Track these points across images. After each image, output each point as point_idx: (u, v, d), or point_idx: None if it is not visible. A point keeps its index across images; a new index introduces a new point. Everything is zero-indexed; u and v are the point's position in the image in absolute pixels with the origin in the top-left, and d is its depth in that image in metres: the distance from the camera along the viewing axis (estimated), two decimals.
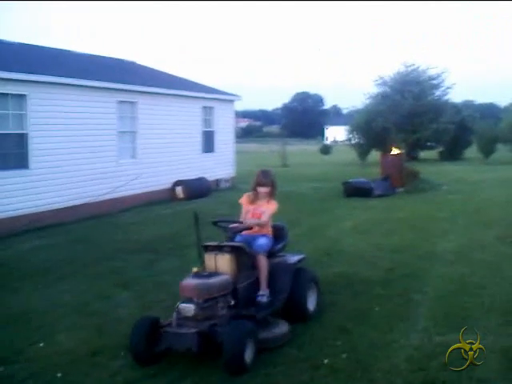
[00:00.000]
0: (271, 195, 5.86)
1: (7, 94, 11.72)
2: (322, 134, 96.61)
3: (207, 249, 5.25)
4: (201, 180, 17.70)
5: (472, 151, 35.34)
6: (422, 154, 35.90)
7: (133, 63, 21.42)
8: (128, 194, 15.09)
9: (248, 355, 4.51)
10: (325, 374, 4.53)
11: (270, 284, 5.48)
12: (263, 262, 5.42)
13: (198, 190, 17.08)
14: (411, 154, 31.47)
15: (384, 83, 35.90)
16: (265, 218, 5.69)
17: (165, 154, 16.83)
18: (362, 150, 34.67)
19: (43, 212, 12.37)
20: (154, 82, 17.57)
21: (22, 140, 12.11)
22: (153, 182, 16.20)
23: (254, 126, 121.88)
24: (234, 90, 21.67)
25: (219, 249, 5.20)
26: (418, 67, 35.32)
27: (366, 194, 15.93)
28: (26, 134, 12.12)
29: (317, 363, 4.71)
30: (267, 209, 5.74)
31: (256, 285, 5.43)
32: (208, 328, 4.62)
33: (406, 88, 33.77)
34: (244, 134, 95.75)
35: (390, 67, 43.64)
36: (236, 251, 5.19)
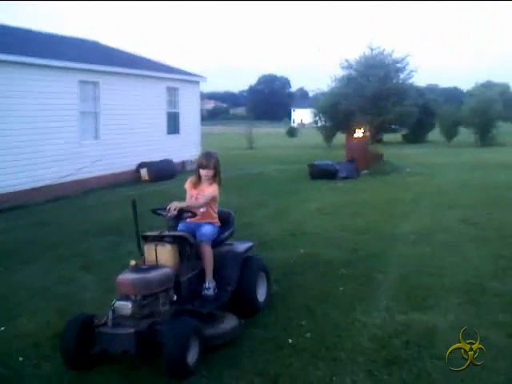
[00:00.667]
0: (214, 178, 5.39)
1: None
2: (288, 116, 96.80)
3: (147, 239, 4.82)
4: (166, 162, 17.54)
5: (435, 134, 35.97)
6: (386, 137, 36.36)
7: (96, 43, 20.95)
8: (91, 176, 14.85)
9: (192, 356, 4.14)
10: (289, 353, 4.56)
11: (217, 275, 5.12)
12: (208, 252, 5.02)
13: (163, 171, 16.93)
14: (375, 137, 31.83)
15: (349, 66, 36.09)
16: (201, 200, 5.21)
17: (129, 135, 16.62)
18: (328, 133, 34.93)
19: (3, 194, 12.09)
20: (117, 62, 17.25)
21: None
22: (117, 163, 15.98)
23: (220, 108, 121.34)
24: (200, 71, 21.50)
25: (160, 239, 4.74)
26: (383, 50, 35.64)
27: (331, 176, 16.06)
28: None
29: (281, 343, 4.74)
30: (207, 192, 5.28)
31: (201, 277, 5.03)
32: (147, 327, 4.21)
33: (371, 71, 34.04)
34: (210, 116, 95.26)
35: (356, 50, 43.90)
36: (178, 241, 4.77)
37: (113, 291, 6.15)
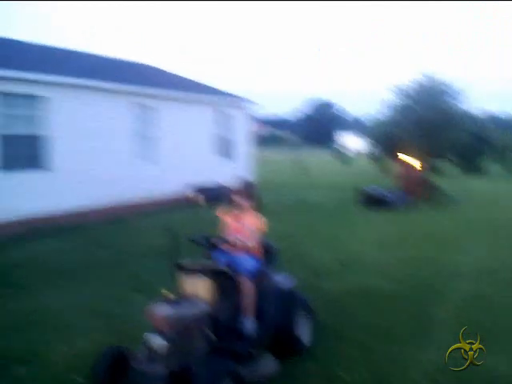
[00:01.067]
0: (254, 208, 5.18)
1: (28, 95, 11.87)
2: (339, 142, 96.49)
3: (183, 269, 4.59)
4: (219, 186, 17.72)
5: (494, 165, 35.03)
6: (442, 167, 35.65)
7: (152, 68, 21.56)
8: (147, 199, 15.17)
9: None
10: None
11: (257, 312, 4.80)
12: (248, 287, 4.71)
13: (216, 195, 17.09)
14: (430, 166, 31.24)
15: (401, 92, 35.70)
16: (254, 239, 5.01)
17: (184, 159, 16.92)
18: (380, 161, 34.54)
19: (63, 215, 12.47)
20: (174, 87, 17.68)
21: (41, 141, 12.25)
22: (172, 187, 16.26)
23: (271, 133, 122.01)
24: (251, 96, 21.72)
25: (198, 271, 4.53)
26: (436, 77, 35.09)
27: (385, 205, 15.83)
28: (46, 135, 12.27)
29: (332, 376, 4.67)
30: (254, 225, 5.06)
31: (240, 313, 4.74)
32: (180, 367, 3.95)
33: (424, 98, 33.55)
34: (261, 141, 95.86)
35: (405, 75, 43.43)
36: (218, 275, 4.54)
37: None
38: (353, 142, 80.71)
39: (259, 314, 4.82)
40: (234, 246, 4.89)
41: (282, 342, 4.93)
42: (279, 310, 4.94)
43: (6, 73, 11.29)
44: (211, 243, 4.84)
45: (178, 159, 16.64)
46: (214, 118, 18.86)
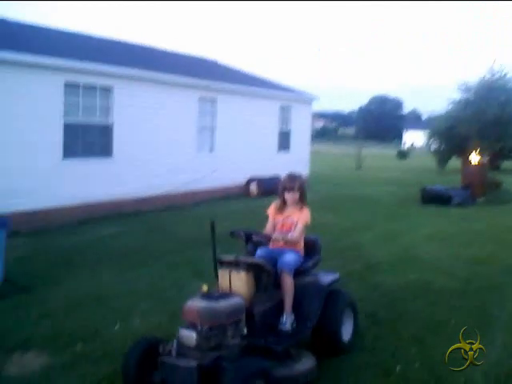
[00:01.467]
0: (302, 202, 4.97)
1: (95, 86, 12.23)
2: (399, 138, 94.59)
3: (222, 264, 4.49)
4: (275, 178, 17.74)
5: None
6: (505, 165, 34.40)
7: (214, 62, 21.79)
8: (204, 188, 15.38)
9: None
10: (396, 381, 4.42)
11: (296, 309, 4.65)
12: (288, 283, 4.56)
13: (271, 187, 17.11)
14: (494, 164, 30.22)
15: (468, 89, 34.64)
16: (296, 233, 4.80)
17: (241, 150, 17.02)
18: (442, 157, 33.65)
19: (123, 200, 12.83)
20: (234, 81, 17.80)
21: (107, 130, 12.61)
22: (228, 177, 16.41)
23: (330, 128, 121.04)
24: (311, 90, 21.61)
25: (235, 265, 4.39)
26: (505, 75, 33.84)
27: (445, 201, 15.44)
28: (111, 124, 12.62)
29: (388, 370, 4.61)
30: (299, 219, 4.86)
31: (279, 309, 4.57)
32: (211, 362, 3.79)
33: (491, 95, 32.45)
34: (319, 135, 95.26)
35: (475, 72, 42.12)
36: (255, 268, 4.37)
37: None
38: (414, 138, 78.95)
39: (299, 311, 4.65)
40: (275, 242, 4.78)
41: (322, 340, 4.77)
42: (320, 307, 4.74)
43: (78, 65, 11.68)
44: (251, 238, 4.66)
45: (236, 150, 16.76)
46: (274, 111, 18.86)
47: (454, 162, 30.12)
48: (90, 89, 12.13)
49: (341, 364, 4.71)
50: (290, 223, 4.90)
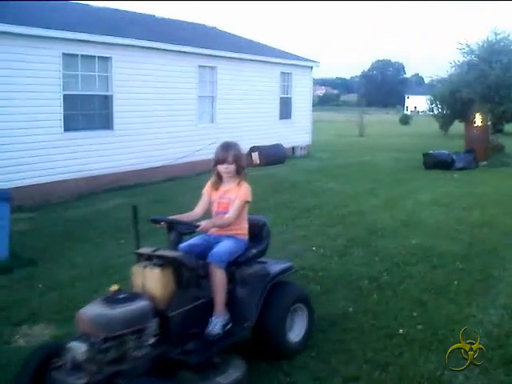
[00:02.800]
0: (240, 175, 4.22)
1: (94, 57, 12.11)
2: (402, 103, 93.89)
3: (139, 258, 3.86)
4: (277, 147, 17.70)
5: None
6: (508, 127, 34.18)
7: (213, 29, 21.48)
8: (205, 158, 15.32)
9: None
10: (399, 343, 4.48)
11: (233, 306, 3.97)
12: (218, 277, 3.85)
13: (273, 156, 17.11)
14: (497, 127, 30.02)
15: (470, 52, 34.15)
16: (231, 214, 4.07)
17: (242, 119, 16.92)
18: (445, 121, 33.45)
19: (124, 172, 12.83)
20: (234, 48, 17.58)
21: (106, 101, 12.54)
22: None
23: (331, 95, 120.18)
24: (312, 56, 21.38)
25: (150, 259, 3.75)
26: (509, 35, 33.31)
27: (447, 166, 15.40)
28: (111, 95, 12.53)
29: (391, 332, 4.67)
30: (236, 197, 4.13)
31: (209, 309, 3.88)
32: (105, 379, 3.19)
33: (494, 57, 32.02)
34: (321, 102, 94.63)
35: (478, 33, 41.48)
36: (173, 263, 3.70)
37: None
38: (416, 103, 78.32)
39: (235, 310, 3.99)
40: (204, 229, 3.93)
41: (262, 341, 4.16)
42: (260, 302, 4.06)
43: (76, 35, 11.55)
44: (174, 226, 3.95)
45: (237, 119, 16.66)
46: (275, 78, 18.70)
47: (457, 127, 29.94)
48: (89, 59, 12.01)
49: (344, 327, 4.78)
50: (226, 202, 4.19)
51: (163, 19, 19.21)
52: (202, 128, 15.41)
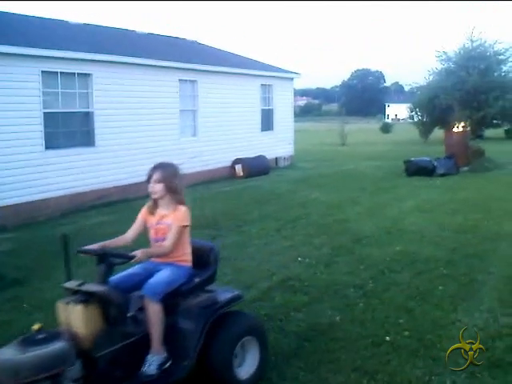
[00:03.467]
0: (175, 198, 3.88)
1: (73, 74, 12.09)
2: (382, 112, 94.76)
3: (66, 292, 3.55)
4: (260, 158, 17.78)
5: None
6: (488, 133, 34.67)
7: (193, 42, 21.58)
8: (189, 172, 15.29)
9: None
10: (387, 350, 4.51)
11: (171, 343, 3.61)
12: (152, 312, 3.51)
13: (257, 168, 17.18)
14: (476, 132, 30.46)
15: (448, 59, 34.72)
16: (168, 243, 3.75)
17: (224, 132, 16.97)
18: (425, 128, 33.87)
19: (108, 188, 12.78)
20: (214, 61, 17.67)
21: (87, 118, 12.50)
22: (213, 159, 16.39)
23: (313, 105, 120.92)
24: (292, 67, 21.58)
25: (72, 294, 3.45)
26: (485, 42, 33.90)
27: (429, 173, 15.57)
28: (92, 112, 12.50)
29: (378, 340, 4.69)
30: (173, 222, 3.79)
31: (145, 346, 3.54)
32: None
33: (471, 64, 32.56)
34: (302, 113, 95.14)
35: (454, 41, 42.18)
36: (98, 298, 3.41)
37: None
38: (397, 111, 79.09)
39: (174, 346, 3.62)
40: (139, 260, 3.59)
41: (207, 379, 3.73)
42: (201, 337, 3.64)
43: (55, 53, 11.54)
44: (106, 257, 3.59)
45: (219, 132, 16.71)
46: (256, 90, 18.79)
47: (437, 133, 30.31)
48: (68, 77, 11.99)
49: (332, 336, 4.80)
50: (164, 228, 3.85)
51: (143, 34, 19.24)
52: (184, 142, 15.42)
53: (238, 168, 16.99)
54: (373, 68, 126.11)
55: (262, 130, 19.12)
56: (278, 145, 19.89)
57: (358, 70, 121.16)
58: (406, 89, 63.35)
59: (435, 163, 16.01)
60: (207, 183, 15.34)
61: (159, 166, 3.94)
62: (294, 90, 22.18)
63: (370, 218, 9.94)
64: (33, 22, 15.18)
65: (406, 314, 5.24)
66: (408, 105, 37.39)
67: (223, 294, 4.01)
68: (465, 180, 14.80)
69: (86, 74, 12.34)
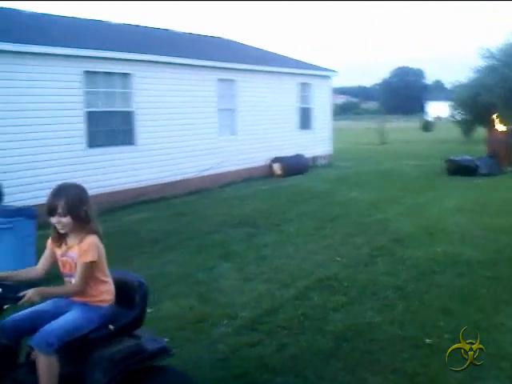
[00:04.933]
0: (84, 226, 3.19)
1: (115, 73, 12.30)
2: (423, 110, 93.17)
3: None
4: (298, 157, 17.71)
5: None
6: None
7: (229, 41, 21.66)
8: (228, 170, 15.43)
9: None
10: (426, 353, 4.44)
11: None
12: (43, 366, 2.89)
13: (295, 166, 17.13)
14: None
15: (491, 56, 33.82)
16: (76, 282, 3.13)
17: (263, 130, 16.99)
18: (467, 127, 33.11)
19: (148, 186, 12.95)
20: (253, 60, 17.70)
21: (128, 117, 12.70)
22: (251, 158, 16.42)
23: (352, 103, 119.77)
24: (332, 65, 21.41)
25: None
26: None
27: (471, 172, 15.23)
28: (132, 111, 12.70)
29: (418, 342, 4.62)
30: (79, 257, 3.13)
31: None
32: None
33: None
34: (341, 111, 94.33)
35: (498, 37, 41.08)
36: None
37: (249, 279, 6.41)
38: (438, 109, 77.64)
39: None
40: (30, 300, 2.93)
41: None
42: None
43: (97, 53, 11.79)
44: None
45: (257, 131, 16.73)
46: (294, 88, 18.73)
47: (480, 132, 29.61)
48: (110, 76, 12.21)
49: (370, 337, 4.74)
50: (70, 262, 3.22)
51: (180, 34, 19.43)
52: (223, 141, 15.50)
53: (277, 166, 16.97)
54: (413, 66, 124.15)
55: (300, 129, 19.05)
56: (317, 143, 19.78)
57: (398, 67, 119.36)
58: (448, 86, 62.15)
59: (477, 162, 15.65)
60: (246, 181, 15.39)
61: (62, 194, 3.12)
62: (333, 87, 22.02)
63: (410, 218, 9.78)
64: (74, 23, 15.51)
65: (446, 317, 5.13)
66: (449, 103, 36.60)
67: (149, 344, 3.24)
68: (508, 181, 14.42)
69: (126, 74, 12.54)
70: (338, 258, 7.26)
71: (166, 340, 3.43)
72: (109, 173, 12.11)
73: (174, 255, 7.87)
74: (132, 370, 3.05)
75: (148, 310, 4.66)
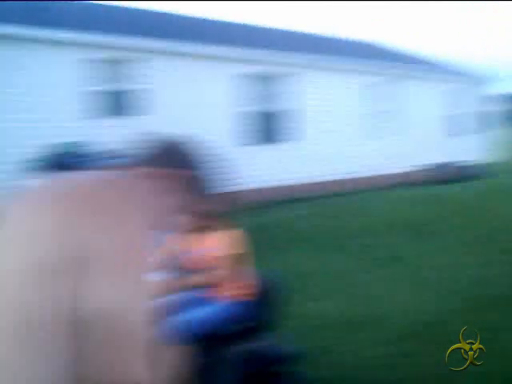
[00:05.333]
0: (224, 222, 2.90)
1: (272, 76, 13.29)
2: None
3: None
4: (446, 165, 17.22)
5: None
6: None
7: (373, 44, 21.45)
8: (377, 174, 15.56)
9: None
10: None
11: None
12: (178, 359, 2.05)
13: (443, 174, 16.70)
14: None
15: None
16: (221, 272, 2.92)
17: (409, 135, 16.94)
18: None
19: (305, 184, 13.64)
20: (398, 64, 17.51)
21: (291, 116, 13.65)
22: (397, 163, 16.38)
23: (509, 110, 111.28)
24: (488, 67, 20.28)
25: None
26: None
27: None
28: (299, 110, 13.74)
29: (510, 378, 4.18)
30: (222, 251, 2.92)
31: None
32: None
33: None
34: (505, 118, 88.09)
35: None
36: None
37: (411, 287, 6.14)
38: None
39: None
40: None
41: None
42: None
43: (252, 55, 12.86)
44: None
45: (405, 136, 16.68)
46: (441, 94, 18.23)
47: None
48: (268, 77, 13.13)
49: (454, 376, 3.98)
50: (203, 256, 2.96)
51: (327, 37, 19.73)
52: (369, 144, 15.74)
53: (421, 173, 16.60)
54: None
55: (448, 135, 18.45)
56: (467, 151, 19.01)
57: None
58: None
59: None
60: (391, 187, 15.26)
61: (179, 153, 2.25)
62: (487, 94, 20.93)
63: None
64: (225, 25, 16.62)
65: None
66: None
67: (284, 347, 3.07)
68: None
69: (291, 75, 13.37)
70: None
71: (304, 346, 3.26)
72: (271, 168, 13.10)
73: (334, 253, 7.88)
74: (263, 372, 2.92)
75: (288, 310, 4.66)
